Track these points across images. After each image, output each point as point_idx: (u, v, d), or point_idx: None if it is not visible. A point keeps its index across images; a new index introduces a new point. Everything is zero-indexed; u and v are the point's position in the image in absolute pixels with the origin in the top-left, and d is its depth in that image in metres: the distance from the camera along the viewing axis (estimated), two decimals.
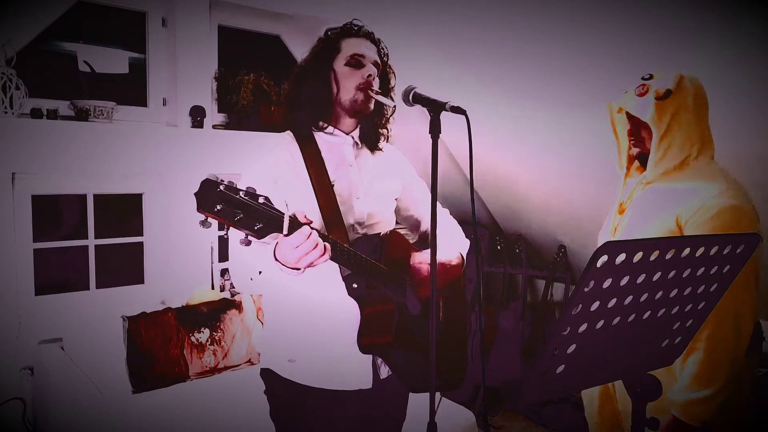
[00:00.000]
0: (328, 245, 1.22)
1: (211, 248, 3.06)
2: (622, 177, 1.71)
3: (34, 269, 2.61)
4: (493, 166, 3.48)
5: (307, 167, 1.43)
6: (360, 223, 1.48)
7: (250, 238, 1.12)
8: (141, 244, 2.93)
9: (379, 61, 1.50)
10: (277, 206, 1.15)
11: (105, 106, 2.59)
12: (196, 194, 1.04)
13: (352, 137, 1.52)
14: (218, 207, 1.05)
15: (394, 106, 1.55)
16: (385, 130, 1.59)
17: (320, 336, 1.44)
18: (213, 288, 3.07)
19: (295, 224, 1.17)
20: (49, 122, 2.47)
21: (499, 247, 3.92)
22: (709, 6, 1.95)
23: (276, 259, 1.22)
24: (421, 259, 1.47)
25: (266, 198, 1.13)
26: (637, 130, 1.60)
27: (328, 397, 1.45)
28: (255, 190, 1.12)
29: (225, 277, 3.13)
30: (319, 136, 1.49)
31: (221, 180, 1.07)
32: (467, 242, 1.65)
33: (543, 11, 2.33)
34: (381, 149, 1.59)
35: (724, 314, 1.39)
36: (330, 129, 1.49)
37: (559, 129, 2.95)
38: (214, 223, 1.10)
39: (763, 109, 2.17)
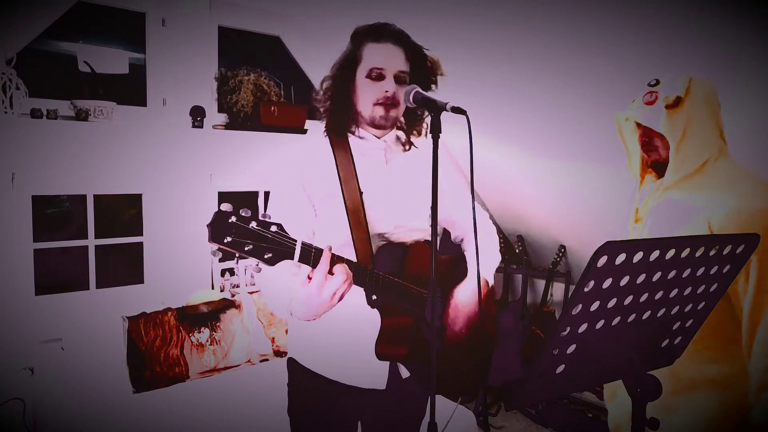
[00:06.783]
0: (350, 273, 1.22)
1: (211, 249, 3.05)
2: (637, 185, 1.64)
3: (34, 269, 2.61)
4: (493, 167, 3.48)
5: (338, 171, 1.43)
6: (385, 232, 1.48)
7: (260, 265, 1.13)
8: (141, 244, 2.93)
9: (405, 69, 1.46)
10: (299, 225, 1.17)
11: (105, 106, 2.59)
12: (208, 225, 1.05)
13: (384, 141, 1.51)
14: (228, 239, 1.07)
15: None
16: (420, 127, 1.57)
17: (344, 332, 1.46)
18: (213, 288, 3.06)
19: (307, 252, 1.17)
20: (49, 122, 2.47)
21: None
22: (711, 6, 1.95)
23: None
24: (457, 303, 1.46)
25: (279, 225, 1.13)
26: (650, 139, 1.54)
27: (343, 392, 1.49)
28: (269, 218, 1.12)
29: (225, 278, 3.13)
30: (353, 140, 1.50)
31: (232, 211, 1.07)
32: (498, 257, 1.64)
33: (547, 12, 2.32)
34: (414, 146, 1.56)
35: None
36: (362, 133, 1.49)
37: (560, 130, 2.95)
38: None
39: None
